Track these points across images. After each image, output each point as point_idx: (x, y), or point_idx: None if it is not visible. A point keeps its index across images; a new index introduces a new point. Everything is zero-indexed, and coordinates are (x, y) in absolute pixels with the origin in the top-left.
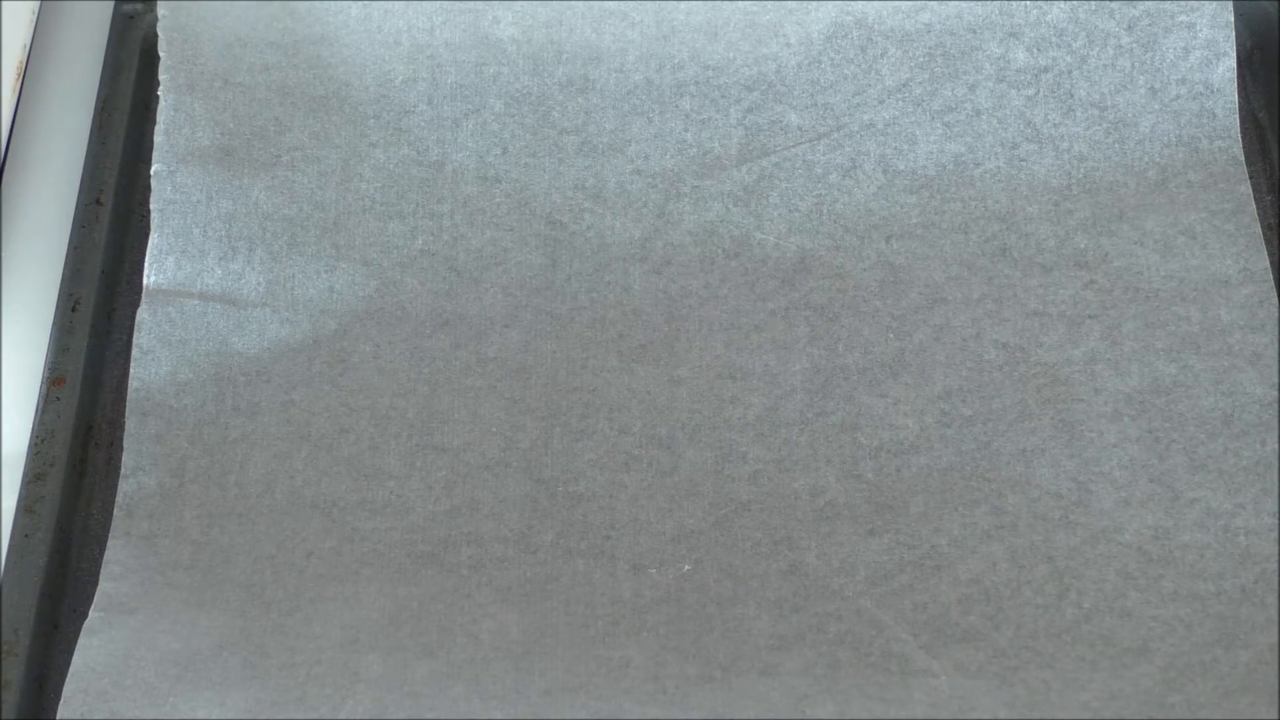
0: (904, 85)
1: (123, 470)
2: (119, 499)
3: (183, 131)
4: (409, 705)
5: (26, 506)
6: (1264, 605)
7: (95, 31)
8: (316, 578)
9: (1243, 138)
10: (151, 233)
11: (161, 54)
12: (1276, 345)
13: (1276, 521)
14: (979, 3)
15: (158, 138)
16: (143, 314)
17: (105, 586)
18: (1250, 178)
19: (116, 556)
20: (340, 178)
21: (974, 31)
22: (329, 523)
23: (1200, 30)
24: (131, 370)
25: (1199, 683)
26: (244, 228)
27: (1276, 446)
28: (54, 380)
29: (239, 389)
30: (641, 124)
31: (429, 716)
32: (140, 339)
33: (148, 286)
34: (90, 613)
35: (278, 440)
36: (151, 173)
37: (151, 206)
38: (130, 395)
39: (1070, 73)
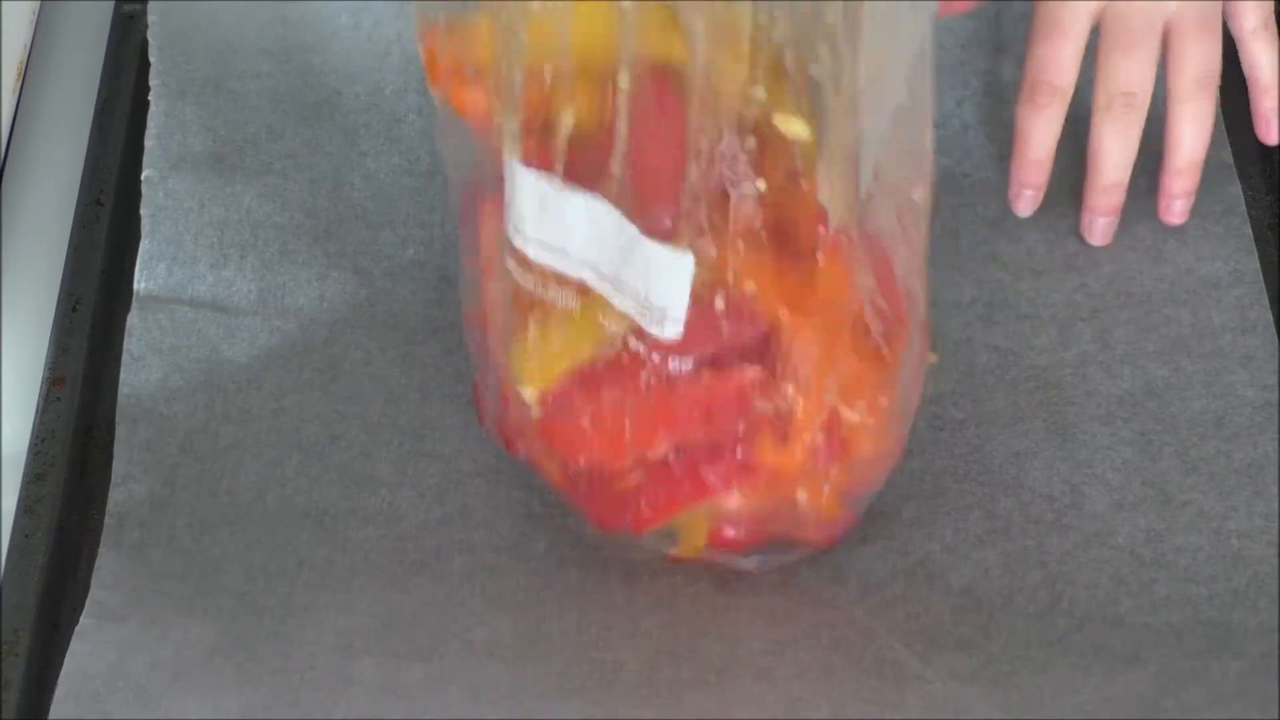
0: None
1: (113, 479)
2: (109, 507)
3: (174, 137)
4: (403, 708)
5: (26, 506)
6: (1257, 609)
7: (95, 31)
8: (308, 586)
9: (1241, 139)
10: (143, 239)
11: (152, 59)
12: (1267, 347)
13: (1270, 524)
14: (967, 18)
15: (149, 143)
16: (133, 320)
17: (96, 594)
18: (1250, 178)
19: (107, 565)
20: (332, 186)
21: (963, 46)
22: (321, 531)
23: None
24: (122, 377)
25: (1192, 689)
26: (235, 235)
27: (1269, 448)
28: (54, 380)
29: (230, 396)
30: None
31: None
32: (131, 345)
33: (138, 293)
34: (81, 619)
35: (269, 448)
36: (143, 178)
37: (143, 212)
38: (120, 402)
39: None
